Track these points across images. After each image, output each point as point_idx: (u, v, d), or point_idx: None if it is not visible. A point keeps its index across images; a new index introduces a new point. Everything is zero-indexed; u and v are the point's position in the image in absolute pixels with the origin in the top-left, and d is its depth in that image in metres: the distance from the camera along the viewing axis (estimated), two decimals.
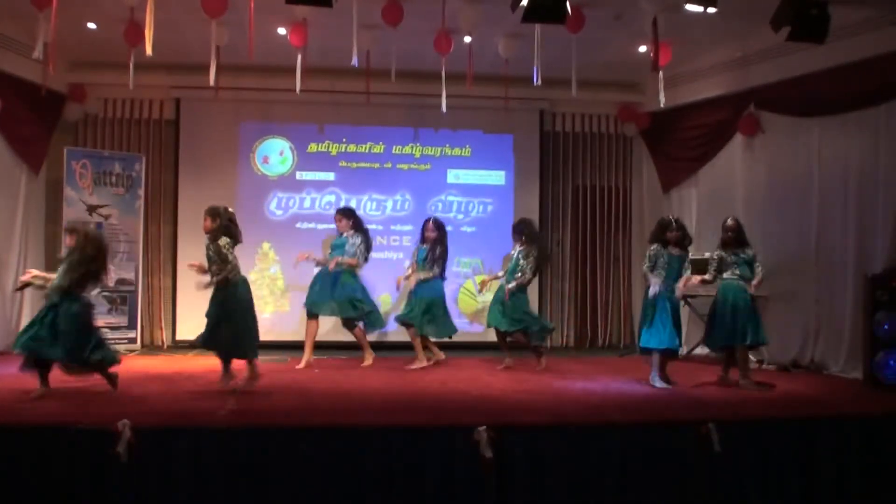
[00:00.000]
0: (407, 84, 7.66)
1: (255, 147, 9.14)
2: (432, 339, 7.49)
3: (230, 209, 5.81)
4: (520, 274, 7.14)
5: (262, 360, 6.12)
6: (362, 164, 9.26)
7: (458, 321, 8.98)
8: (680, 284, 6.14)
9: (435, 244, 7.29)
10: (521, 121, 9.37)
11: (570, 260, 9.61)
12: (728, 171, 8.36)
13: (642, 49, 7.78)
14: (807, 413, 5.14)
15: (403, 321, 7.31)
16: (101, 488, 4.17)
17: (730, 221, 6.39)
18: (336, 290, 7.13)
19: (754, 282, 6.20)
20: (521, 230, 7.34)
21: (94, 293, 6.10)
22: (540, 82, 6.80)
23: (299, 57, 6.99)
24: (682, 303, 6.32)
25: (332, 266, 7.12)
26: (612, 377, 6.66)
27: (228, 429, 4.44)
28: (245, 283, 5.78)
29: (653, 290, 6.12)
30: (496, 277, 7.63)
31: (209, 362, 5.99)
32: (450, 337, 7.46)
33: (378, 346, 7.58)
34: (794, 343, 7.44)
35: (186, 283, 6.25)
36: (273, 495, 4.27)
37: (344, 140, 9.22)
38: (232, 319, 5.55)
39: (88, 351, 5.28)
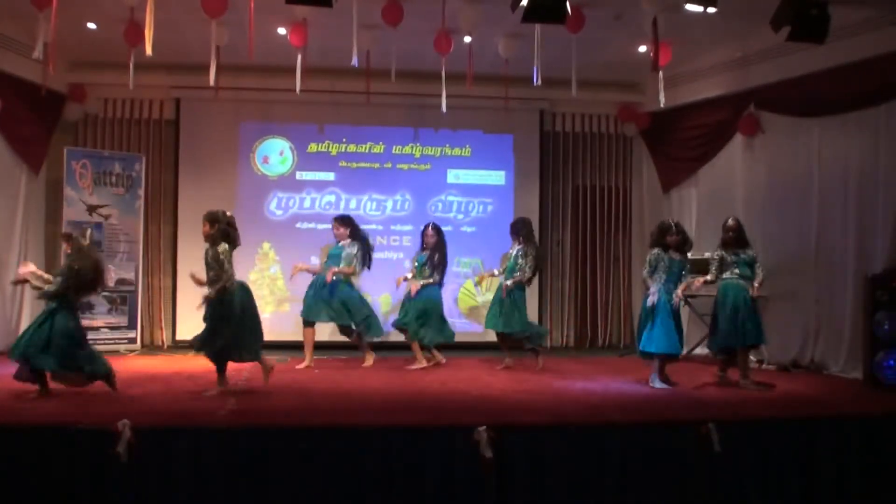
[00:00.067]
0: (407, 84, 7.66)
1: (255, 147, 9.14)
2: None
3: (229, 213, 5.72)
4: (518, 273, 7.14)
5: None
6: (362, 164, 9.26)
7: (457, 321, 9.05)
8: (679, 291, 6.13)
9: (434, 251, 7.31)
10: (521, 121, 9.37)
11: (570, 260, 9.61)
12: (728, 171, 8.36)
13: (642, 49, 7.78)
14: (807, 413, 5.14)
15: (399, 327, 7.38)
16: (101, 488, 4.17)
17: (730, 221, 6.39)
18: (331, 296, 7.14)
19: (756, 283, 6.19)
20: (519, 229, 7.34)
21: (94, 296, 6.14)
22: (540, 82, 6.80)
23: (299, 57, 6.99)
24: (682, 303, 6.31)
25: (329, 277, 7.12)
26: (612, 377, 6.66)
27: (228, 429, 4.44)
28: (243, 289, 5.68)
29: (651, 300, 6.11)
30: (493, 275, 7.67)
31: (209, 363, 5.96)
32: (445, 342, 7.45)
33: (378, 347, 7.58)
34: (794, 343, 7.44)
35: (186, 282, 6.25)
36: (273, 495, 4.27)
37: (344, 140, 9.22)
38: (229, 324, 5.49)
39: (80, 362, 5.31)
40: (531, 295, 8.14)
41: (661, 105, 7.10)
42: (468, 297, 9.31)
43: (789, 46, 6.66)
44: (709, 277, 6.30)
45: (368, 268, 7.44)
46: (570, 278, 9.59)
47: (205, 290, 5.54)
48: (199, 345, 5.57)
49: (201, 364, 6.68)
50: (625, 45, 7.86)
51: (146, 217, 8.78)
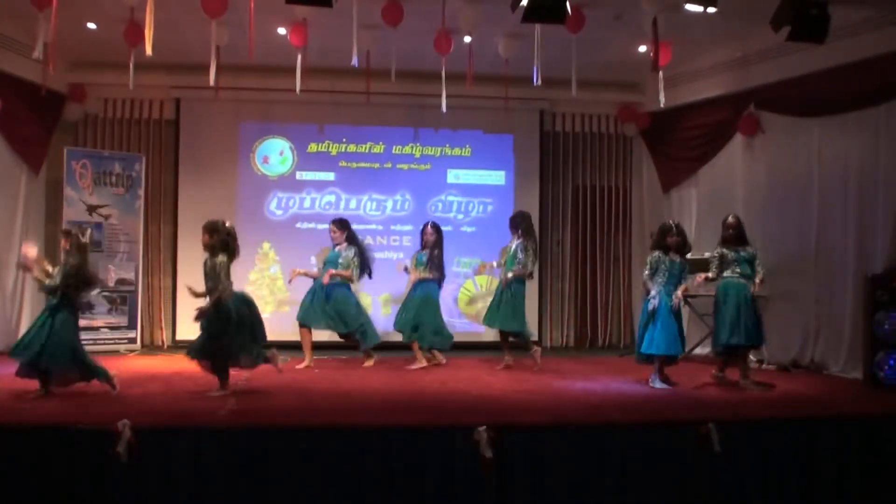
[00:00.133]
0: (407, 84, 7.66)
1: (255, 147, 9.14)
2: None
3: (229, 223, 5.66)
4: (519, 267, 7.14)
5: None
6: (362, 164, 9.26)
7: (457, 321, 9.06)
8: (679, 292, 6.12)
9: (433, 249, 7.31)
10: (521, 121, 9.37)
11: (570, 260, 9.61)
12: (728, 171, 8.36)
13: (642, 49, 7.78)
14: (807, 413, 5.14)
15: (399, 329, 7.42)
16: (101, 488, 4.17)
17: (731, 219, 6.39)
18: (328, 304, 7.15)
19: (757, 280, 6.20)
20: (519, 223, 7.34)
21: (94, 293, 6.11)
22: (540, 82, 6.80)
23: (299, 57, 6.99)
24: (682, 303, 6.31)
25: (326, 279, 7.13)
26: (612, 377, 6.66)
27: (228, 429, 4.44)
28: (242, 300, 5.63)
29: (652, 304, 6.10)
30: (493, 266, 7.78)
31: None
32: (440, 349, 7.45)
33: (378, 347, 7.58)
34: (794, 343, 7.44)
35: (186, 282, 6.24)
36: (273, 495, 4.27)
37: (344, 140, 9.22)
38: (225, 336, 5.44)
39: (77, 363, 5.32)
40: (531, 295, 8.14)
41: (661, 105, 7.09)
42: (468, 297, 9.31)
43: (789, 46, 6.66)
44: (710, 275, 6.30)
45: (370, 276, 7.44)
46: (570, 278, 9.59)
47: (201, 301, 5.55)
48: (192, 353, 5.53)
49: None
50: (625, 45, 7.86)
51: (146, 217, 8.77)
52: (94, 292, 6.15)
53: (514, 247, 7.27)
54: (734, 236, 6.32)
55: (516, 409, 5.17)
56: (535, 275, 8.15)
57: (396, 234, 9.25)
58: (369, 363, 7.25)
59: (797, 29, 5.94)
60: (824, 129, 7.31)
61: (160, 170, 9.04)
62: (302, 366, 7.06)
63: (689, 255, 6.41)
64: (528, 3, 5.68)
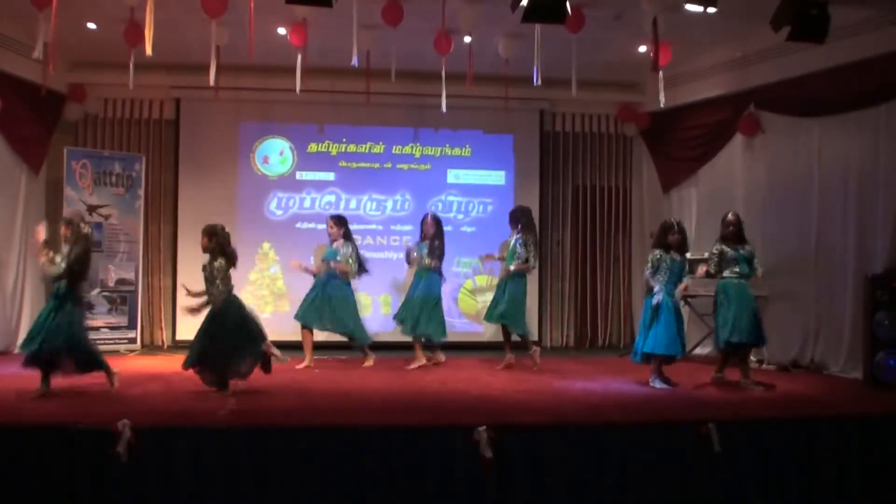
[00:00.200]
0: (407, 84, 7.66)
1: (255, 147, 9.14)
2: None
3: (226, 229, 5.68)
4: (520, 261, 7.14)
5: None
6: (362, 164, 9.26)
7: (457, 321, 9.05)
8: (679, 290, 6.12)
9: (434, 239, 7.31)
10: (521, 121, 9.37)
11: (570, 260, 9.61)
12: (728, 171, 8.36)
13: (642, 49, 7.78)
14: (807, 413, 5.14)
15: (399, 320, 7.42)
16: (101, 488, 4.17)
17: (730, 216, 6.40)
18: (328, 307, 7.16)
19: (759, 273, 6.22)
20: (518, 218, 7.34)
21: (93, 293, 6.12)
22: (540, 82, 6.80)
23: (299, 57, 6.99)
24: (682, 303, 6.32)
25: (321, 270, 7.20)
26: (612, 377, 6.66)
27: (228, 429, 4.44)
28: (235, 304, 5.62)
29: (656, 299, 6.09)
30: (494, 257, 7.88)
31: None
32: (439, 340, 7.44)
33: (378, 347, 7.58)
34: (794, 343, 7.44)
35: (186, 283, 6.25)
36: (273, 495, 4.27)
37: (344, 140, 9.22)
38: (222, 341, 5.44)
39: (78, 350, 5.34)
40: (531, 295, 8.13)
41: (661, 105, 7.09)
42: (468, 298, 9.31)
43: (789, 46, 6.66)
44: (710, 269, 6.29)
45: (367, 271, 7.44)
46: (570, 278, 9.59)
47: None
48: (189, 362, 5.49)
49: None
50: (625, 45, 7.86)
51: (146, 217, 8.77)
52: (94, 292, 6.15)
53: (513, 241, 7.27)
54: (734, 233, 6.32)
55: (516, 409, 5.17)
56: (535, 275, 8.16)
57: (396, 234, 9.25)
58: (369, 363, 7.25)
59: (797, 29, 5.94)
60: (824, 129, 7.31)
61: (160, 170, 9.04)
62: (302, 366, 7.06)
63: (688, 255, 6.42)
64: (528, 3, 5.68)
